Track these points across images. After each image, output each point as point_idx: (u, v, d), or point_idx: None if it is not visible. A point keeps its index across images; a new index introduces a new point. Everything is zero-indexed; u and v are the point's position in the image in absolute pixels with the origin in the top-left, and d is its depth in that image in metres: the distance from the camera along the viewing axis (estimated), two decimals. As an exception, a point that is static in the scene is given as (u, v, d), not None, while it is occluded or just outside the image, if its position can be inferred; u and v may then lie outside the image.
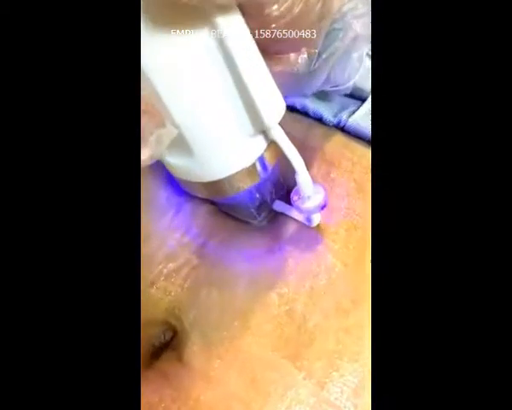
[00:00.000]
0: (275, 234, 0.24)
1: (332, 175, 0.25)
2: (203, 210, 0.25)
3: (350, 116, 0.27)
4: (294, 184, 0.21)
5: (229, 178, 0.20)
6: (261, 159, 0.20)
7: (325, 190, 0.21)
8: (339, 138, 0.27)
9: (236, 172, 0.20)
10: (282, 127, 0.19)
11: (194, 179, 0.20)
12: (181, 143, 0.18)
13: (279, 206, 0.24)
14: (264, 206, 0.24)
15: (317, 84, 0.25)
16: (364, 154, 0.26)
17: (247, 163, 0.20)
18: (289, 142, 0.19)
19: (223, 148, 0.19)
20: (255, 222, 0.24)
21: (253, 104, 0.17)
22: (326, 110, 0.27)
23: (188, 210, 0.25)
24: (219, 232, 0.24)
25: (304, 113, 0.28)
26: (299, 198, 0.21)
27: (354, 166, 0.26)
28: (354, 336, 0.20)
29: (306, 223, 0.23)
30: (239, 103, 0.18)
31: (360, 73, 0.28)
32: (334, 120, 0.27)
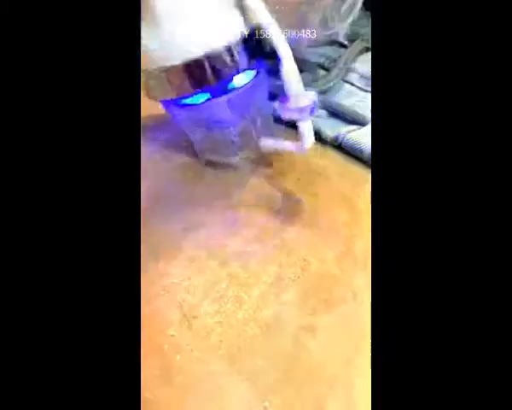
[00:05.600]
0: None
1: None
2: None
3: (349, 133, 0.26)
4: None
5: (204, 61, 0.17)
6: (240, 46, 0.18)
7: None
8: (331, 154, 0.26)
9: (209, 54, 0.17)
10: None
11: (164, 61, 0.18)
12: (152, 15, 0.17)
13: (266, 142, 0.21)
14: (246, 137, 0.21)
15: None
16: (356, 170, 0.24)
17: (223, 41, 0.17)
18: (272, 19, 0.17)
19: (193, 16, 0.17)
20: (237, 160, 0.22)
21: None
22: (324, 125, 0.26)
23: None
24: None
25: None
26: (287, 99, 0.18)
27: (342, 178, 0.24)
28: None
29: (299, 149, 0.20)
30: None
31: (361, 102, 0.28)
32: (332, 135, 0.26)
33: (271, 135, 0.22)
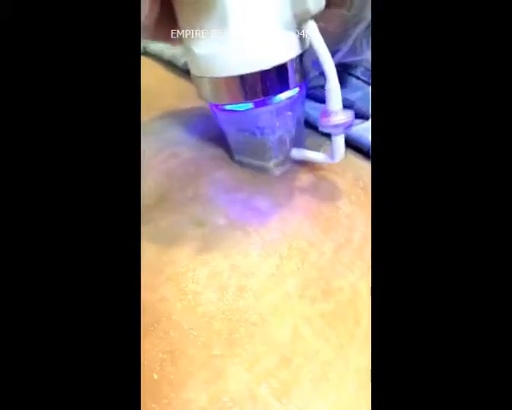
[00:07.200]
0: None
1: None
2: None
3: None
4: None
5: (259, 76, 0.19)
6: (293, 65, 0.20)
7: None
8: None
9: (267, 70, 0.19)
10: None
11: (220, 72, 0.19)
12: (217, 21, 0.18)
13: (297, 152, 0.24)
14: (282, 145, 0.23)
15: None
16: (358, 163, 0.25)
17: (280, 59, 0.19)
18: (324, 44, 0.19)
19: (259, 30, 0.18)
20: (270, 165, 0.24)
21: None
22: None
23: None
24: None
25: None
26: (326, 114, 0.20)
27: (344, 171, 0.25)
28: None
29: (328, 161, 0.22)
30: None
31: (365, 95, 0.28)
32: (336, 130, 0.26)
33: (303, 144, 0.24)
